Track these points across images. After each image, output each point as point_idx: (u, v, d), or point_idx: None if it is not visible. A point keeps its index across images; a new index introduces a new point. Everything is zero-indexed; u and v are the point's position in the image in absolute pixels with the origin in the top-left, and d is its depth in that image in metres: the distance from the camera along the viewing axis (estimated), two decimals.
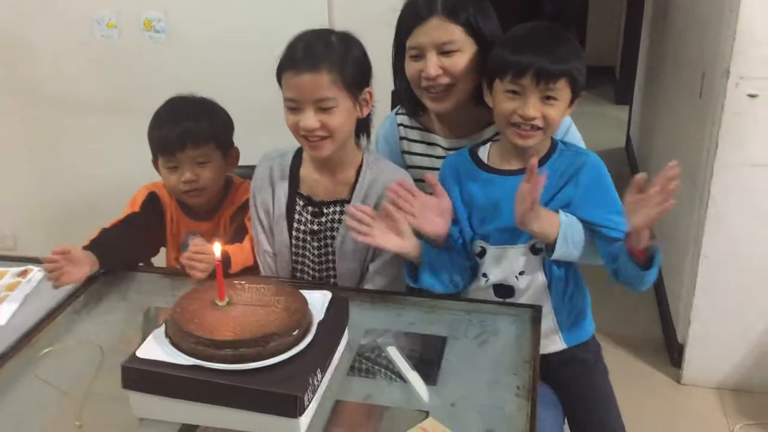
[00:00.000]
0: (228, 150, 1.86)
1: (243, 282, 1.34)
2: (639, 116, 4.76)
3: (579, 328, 1.70)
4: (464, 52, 1.65)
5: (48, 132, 2.93)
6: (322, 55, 1.54)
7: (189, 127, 1.76)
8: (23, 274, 1.68)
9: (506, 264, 1.60)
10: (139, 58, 2.65)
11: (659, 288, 3.18)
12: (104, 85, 2.74)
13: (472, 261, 1.64)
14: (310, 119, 1.55)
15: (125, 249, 1.71)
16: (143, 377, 1.20)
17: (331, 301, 1.37)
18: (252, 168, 1.94)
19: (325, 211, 1.69)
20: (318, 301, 1.35)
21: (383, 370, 1.36)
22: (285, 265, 1.73)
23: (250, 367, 1.18)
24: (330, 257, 1.70)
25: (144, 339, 1.26)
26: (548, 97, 1.50)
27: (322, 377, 1.25)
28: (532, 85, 1.49)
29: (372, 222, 1.52)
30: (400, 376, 1.34)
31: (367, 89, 1.63)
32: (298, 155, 1.75)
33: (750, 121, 2.33)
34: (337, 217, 1.68)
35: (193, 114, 1.79)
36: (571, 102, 1.56)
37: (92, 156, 2.91)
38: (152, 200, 1.86)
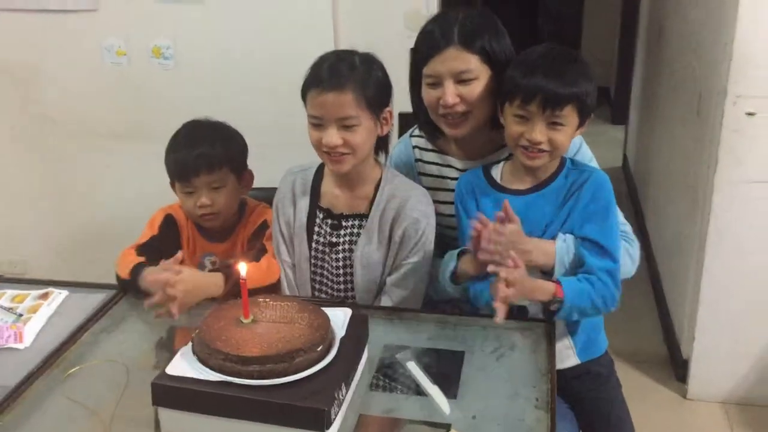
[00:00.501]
0: (242, 173, 1.90)
1: (267, 300, 1.37)
2: (635, 136, 4.82)
3: (593, 344, 1.74)
4: (480, 79, 1.68)
5: (58, 158, 2.98)
6: (346, 76, 1.60)
7: (204, 152, 1.80)
8: (44, 296, 1.70)
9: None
10: (148, 85, 2.71)
11: (661, 304, 3.22)
12: (114, 111, 2.79)
13: None
14: (333, 136, 1.60)
15: None
16: (173, 394, 1.23)
17: (351, 318, 1.40)
18: (262, 190, 2.00)
19: (344, 224, 1.74)
20: (339, 318, 1.39)
21: (404, 384, 1.39)
22: (304, 277, 1.78)
23: (277, 383, 1.21)
24: (348, 270, 1.75)
25: (158, 358, 1.29)
26: (555, 123, 1.55)
27: (347, 392, 1.28)
28: (538, 112, 1.53)
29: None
30: (421, 391, 1.37)
31: (387, 108, 1.69)
32: (319, 171, 1.81)
33: (748, 138, 2.39)
34: (356, 230, 1.73)
35: (208, 139, 1.83)
36: (581, 124, 1.60)
37: (102, 182, 2.96)
38: (169, 222, 1.90)
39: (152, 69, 2.67)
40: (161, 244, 1.84)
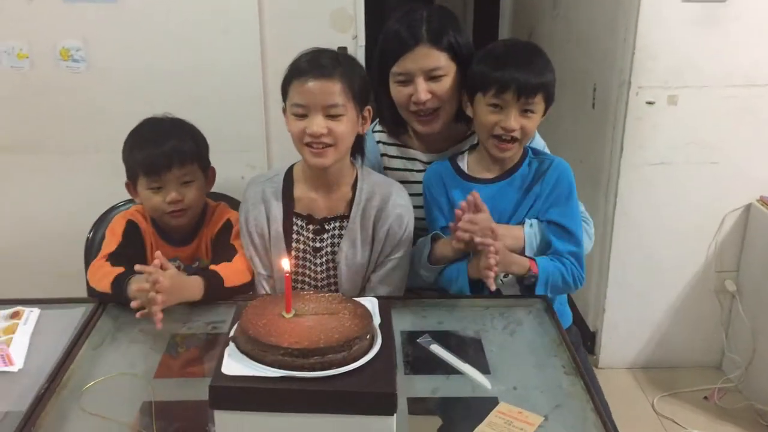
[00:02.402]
0: (207, 170, 1.85)
1: (305, 294, 1.37)
2: None
3: (562, 316, 1.85)
4: (449, 75, 1.76)
5: None
6: (333, 65, 1.60)
7: (175, 146, 1.74)
8: (16, 315, 1.57)
9: None
10: (55, 91, 2.51)
11: None
12: (15, 120, 2.56)
13: None
14: (318, 124, 1.59)
15: None
16: (232, 394, 1.19)
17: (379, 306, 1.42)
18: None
19: (327, 227, 1.73)
20: (369, 307, 1.40)
21: (436, 366, 1.43)
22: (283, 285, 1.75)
23: (338, 372, 1.21)
24: (332, 272, 1.75)
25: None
26: (526, 110, 1.66)
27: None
28: (513, 100, 1.64)
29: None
30: (455, 370, 1.41)
31: (367, 106, 1.70)
32: (288, 177, 1.77)
33: (649, 125, 2.64)
34: (337, 232, 1.73)
35: (176, 134, 1.76)
36: (544, 112, 1.72)
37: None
38: (132, 228, 1.80)
39: (60, 73, 2.49)
40: (129, 251, 1.75)
